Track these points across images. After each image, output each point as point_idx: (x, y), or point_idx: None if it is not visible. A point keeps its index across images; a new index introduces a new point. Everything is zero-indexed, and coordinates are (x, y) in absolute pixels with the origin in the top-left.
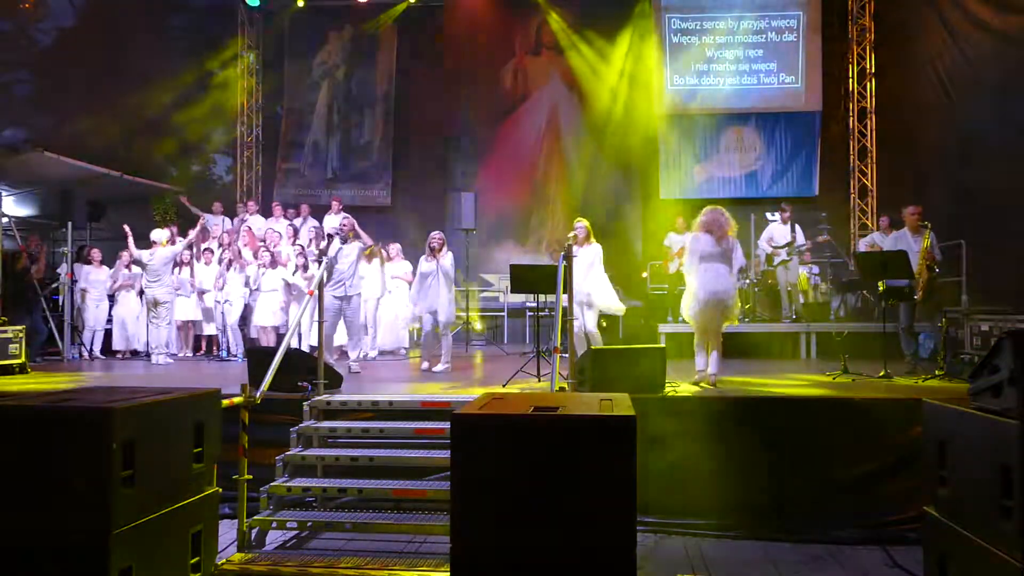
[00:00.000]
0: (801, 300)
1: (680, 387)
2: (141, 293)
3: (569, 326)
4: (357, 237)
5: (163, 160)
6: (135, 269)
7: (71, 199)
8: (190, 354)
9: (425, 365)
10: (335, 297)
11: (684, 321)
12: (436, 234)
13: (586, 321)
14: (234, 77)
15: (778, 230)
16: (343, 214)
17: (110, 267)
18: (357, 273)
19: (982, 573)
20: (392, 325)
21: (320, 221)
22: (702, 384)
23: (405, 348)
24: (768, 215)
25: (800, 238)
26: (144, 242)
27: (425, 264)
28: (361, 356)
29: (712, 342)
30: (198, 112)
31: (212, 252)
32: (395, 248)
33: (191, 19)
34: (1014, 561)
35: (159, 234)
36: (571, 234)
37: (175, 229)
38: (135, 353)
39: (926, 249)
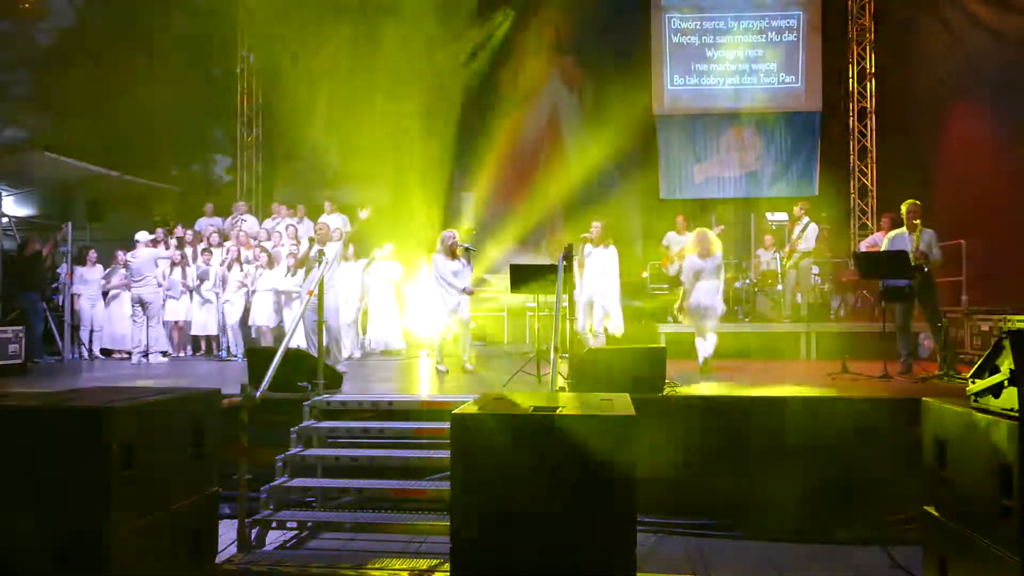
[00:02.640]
0: (799, 299)
1: (680, 387)
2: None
3: (570, 325)
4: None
5: (163, 160)
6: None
7: (71, 199)
8: (187, 354)
9: (443, 367)
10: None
11: (682, 321)
12: (451, 233)
13: (594, 321)
14: (234, 77)
15: (809, 233)
16: (336, 214)
17: (107, 267)
18: (335, 274)
19: (982, 573)
20: (391, 325)
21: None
22: (705, 363)
23: (405, 348)
24: (768, 215)
25: (808, 241)
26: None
27: (449, 265)
28: (344, 357)
29: (707, 333)
30: (198, 112)
31: (211, 252)
32: (388, 248)
33: (191, 19)
34: (1014, 561)
35: (142, 235)
36: (584, 234)
37: (162, 231)
38: (130, 354)
39: (916, 249)
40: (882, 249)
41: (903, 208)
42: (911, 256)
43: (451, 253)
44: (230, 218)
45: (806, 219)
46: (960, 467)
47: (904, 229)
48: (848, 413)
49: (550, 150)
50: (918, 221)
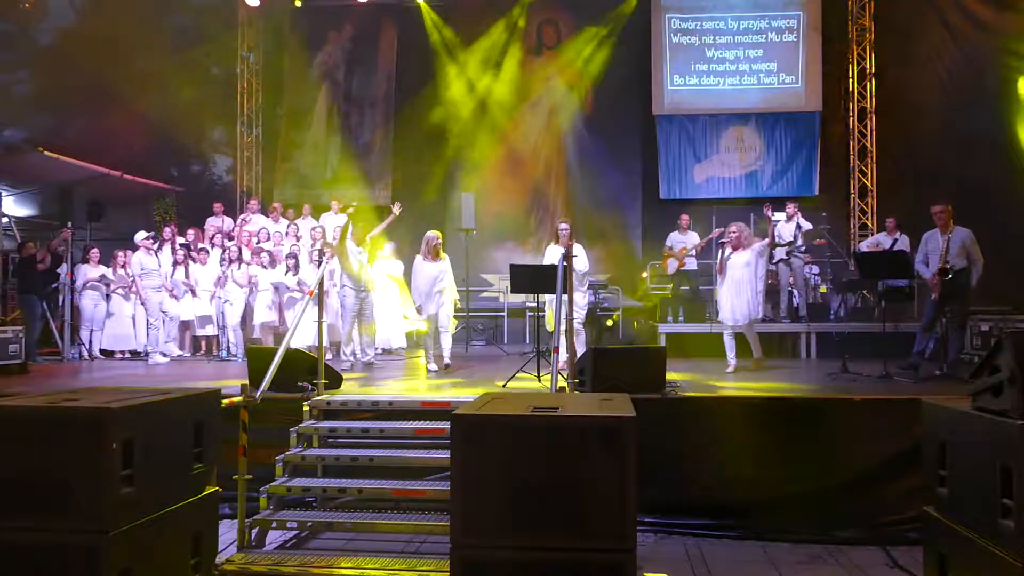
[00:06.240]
0: (798, 299)
1: (680, 387)
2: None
3: (570, 326)
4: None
5: (163, 160)
6: (132, 270)
7: (71, 199)
8: (189, 354)
9: (434, 367)
10: (357, 296)
11: (684, 321)
12: (436, 235)
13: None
14: (234, 77)
15: (784, 228)
16: (342, 214)
17: (107, 267)
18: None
19: (982, 573)
20: (389, 324)
21: (318, 221)
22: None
23: (403, 347)
24: (769, 213)
25: (805, 225)
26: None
27: (429, 266)
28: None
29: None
30: (198, 112)
31: (208, 252)
32: (389, 247)
33: (191, 19)
34: (1014, 561)
35: (139, 236)
36: (562, 236)
37: (174, 228)
38: (134, 353)
39: (946, 252)
40: (920, 248)
41: (933, 209)
42: (940, 260)
43: (434, 255)
44: (240, 217)
45: (796, 218)
46: (960, 467)
47: (936, 230)
48: (848, 413)
49: (550, 150)
50: (951, 223)
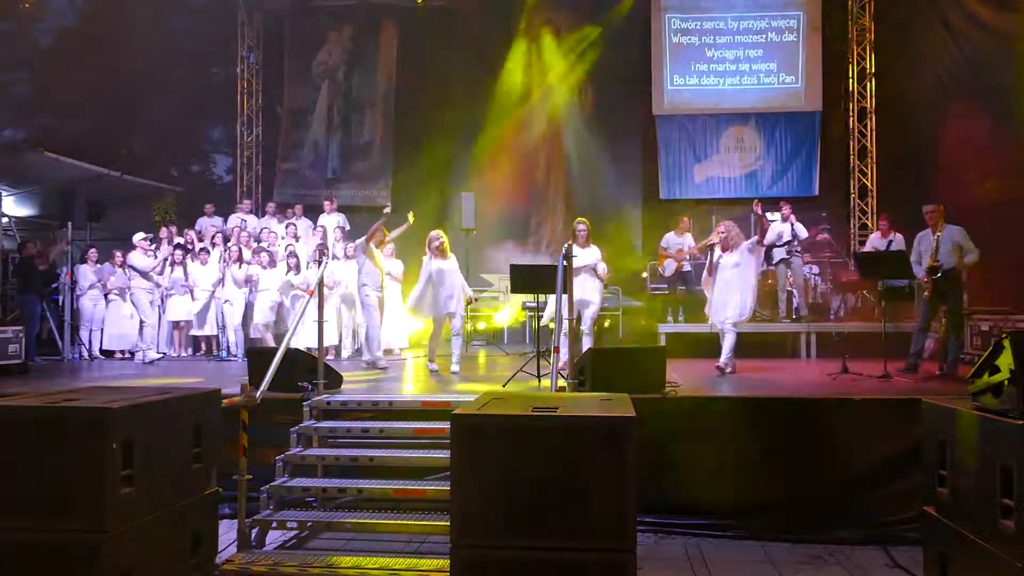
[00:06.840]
0: (797, 300)
1: (680, 387)
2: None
3: (570, 326)
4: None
5: (163, 160)
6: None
7: (71, 199)
8: (189, 354)
9: (435, 366)
10: (377, 296)
11: (684, 321)
12: (438, 234)
13: (583, 321)
14: (234, 77)
15: (778, 228)
16: (338, 214)
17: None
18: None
19: (982, 573)
20: (390, 324)
21: (315, 221)
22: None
23: (403, 347)
24: (759, 210)
25: (801, 232)
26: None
27: (439, 264)
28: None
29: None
30: (198, 112)
31: (208, 252)
32: (389, 248)
33: (191, 19)
34: (1014, 561)
35: (137, 237)
36: (580, 236)
37: (173, 230)
38: (133, 354)
39: (935, 251)
40: (914, 248)
41: (924, 209)
42: (930, 258)
43: (442, 254)
44: (235, 216)
45: (790, 219)
46: (960, 467)
47: (928, 229)
48: (848, 413)
49: (550, 150)
50: (941, 222)
